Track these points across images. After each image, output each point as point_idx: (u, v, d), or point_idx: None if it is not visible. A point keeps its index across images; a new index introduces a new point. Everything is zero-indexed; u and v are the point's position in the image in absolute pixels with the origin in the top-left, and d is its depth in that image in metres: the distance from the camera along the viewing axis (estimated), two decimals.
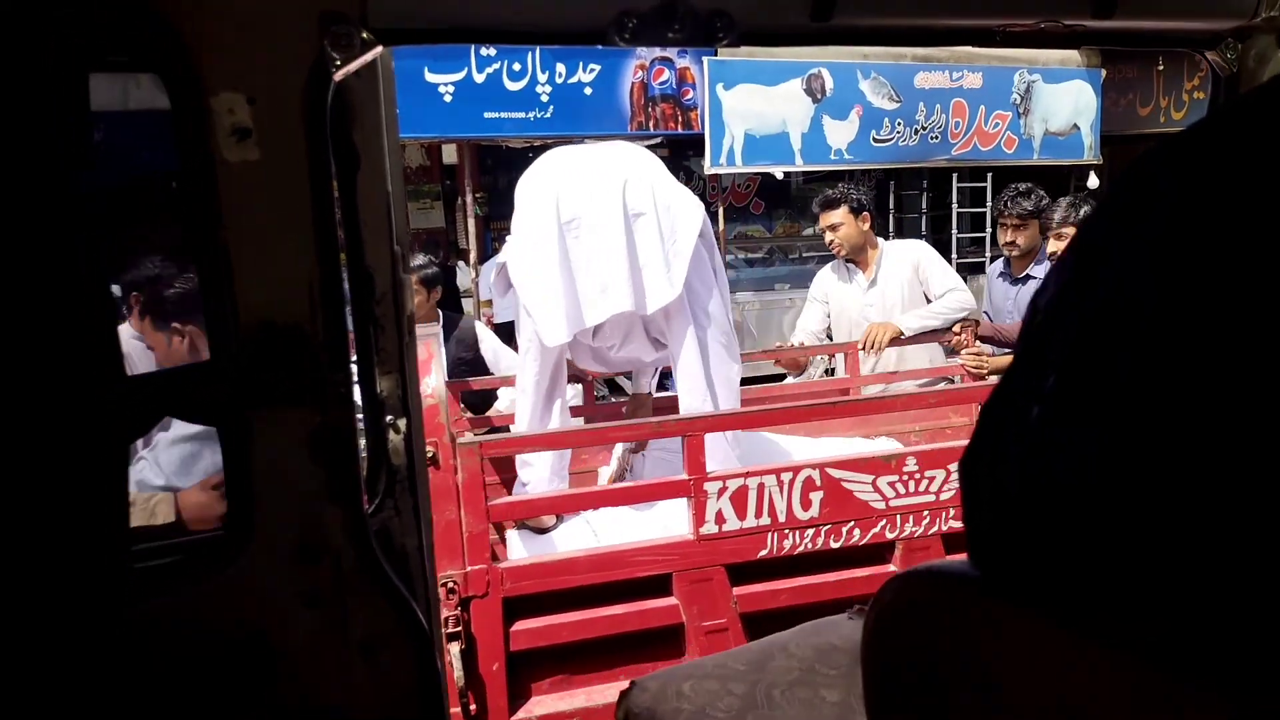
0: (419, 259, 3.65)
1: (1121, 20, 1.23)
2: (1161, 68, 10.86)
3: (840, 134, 8.70)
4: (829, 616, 1.02)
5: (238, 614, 1.01)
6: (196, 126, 0.88)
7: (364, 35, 0.91)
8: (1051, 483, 0.30)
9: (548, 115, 7.91)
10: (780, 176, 8.57)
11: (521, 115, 7.87)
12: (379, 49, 0.93)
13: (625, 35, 1.00)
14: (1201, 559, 0.26)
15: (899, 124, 9.06)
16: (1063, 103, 9.73)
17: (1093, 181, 10.53)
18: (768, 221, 11.03)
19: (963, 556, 0.43)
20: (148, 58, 0.86)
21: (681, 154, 10.21)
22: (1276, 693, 0.25)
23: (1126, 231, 0.30)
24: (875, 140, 8.96)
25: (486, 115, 7.81)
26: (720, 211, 9.31)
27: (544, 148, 9.65)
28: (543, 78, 7.81)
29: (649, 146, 9.74)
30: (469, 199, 8.54)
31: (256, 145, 0.90)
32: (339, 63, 0.91)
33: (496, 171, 10.12)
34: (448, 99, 7.59)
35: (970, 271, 9.87)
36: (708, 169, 8.37)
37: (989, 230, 9.96)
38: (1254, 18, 1.34)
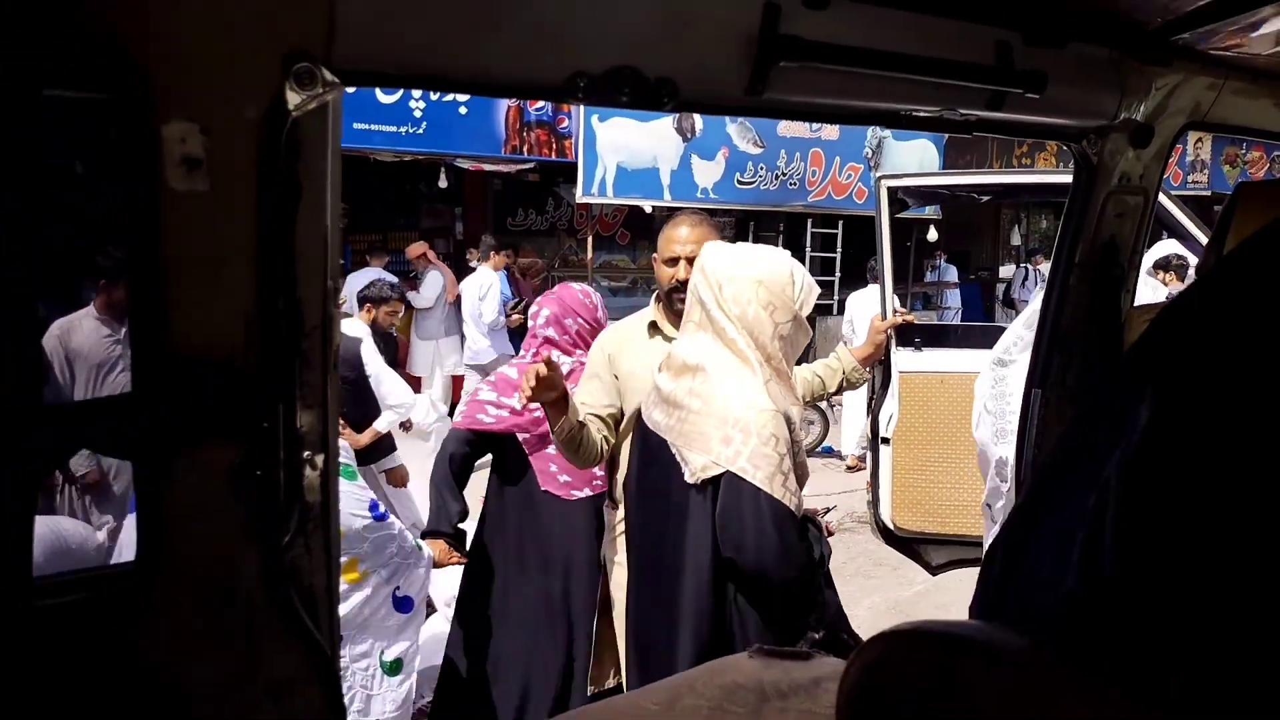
0: None
1: (1008, 114, 1.38)
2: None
3: (707, 174, 9.00)
4: (730, 656, 1.07)
5: (144, 653, 0.96)
6: (146, 153, 0.85)
7: (327, 76, 0.90)
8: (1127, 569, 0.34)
9: (420, 131, 7.79)
10: (649, 210, 8.78)
11: (393, 129, 7.72)
12: (341, 90, 0.92)
13: (578, 95, 1.04)
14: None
15: (761, 168, 9.45)
16: (909, 159, 10.42)
17: (931, 235, 11.32)
18: (632, 252, 11.22)
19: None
20: (102, 80, 0.83)
21: (552, 180, 10.26)
22: None
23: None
24: (739, 182, 9.31)
25: (356, 126, 7.61)
26: (590, 239, 9.40)
27: (414, 164, 9.48)
28: (417, 93, 7.69)
29: (520, 170, 9.72)
30: None
31: (206, 176, 0.88)
32: (299, 101, 0.90)
33: (361, 184, 9.83)
34: None
35: (819, 312, 10.36)
36: (579, 197, 8.46)
37: (838, 274, 10.48)
38: (1114, 119, 1.52)
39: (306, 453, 1.15)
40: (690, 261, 2.27)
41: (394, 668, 2.39)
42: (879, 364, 3.74)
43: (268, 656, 1.05)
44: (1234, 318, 0.37)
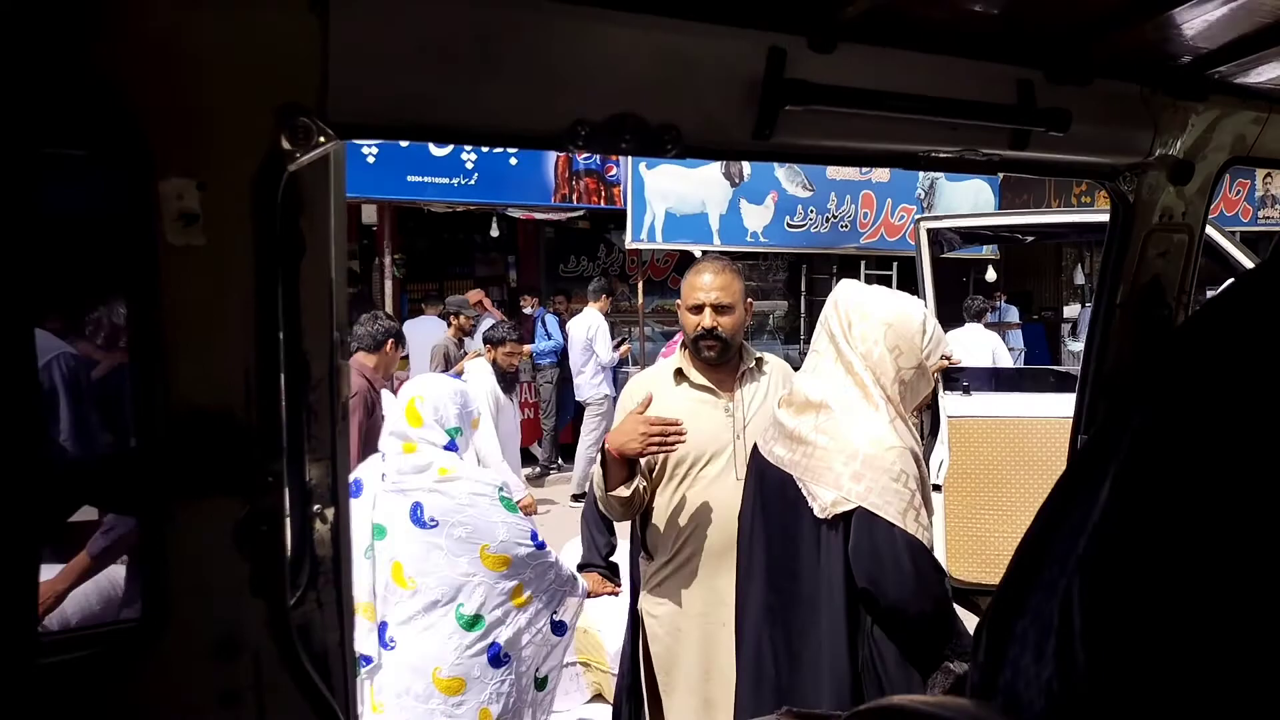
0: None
1: (1033, 153, 1.33)
2: None
3: (756, 218, 8.99)
4: (761, 718, 1.03)
5: (148, 712, 0.96)
6: (143, 209, 0.86)
7: (323, 129, 0.91)
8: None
9: (472, 182, 7.94)
10: (699, 255, 8.82)
11: (445, 181, 7.88)
12: (336, 142, 0.93)
13: (579, 143, 1.04)
14: None
15: (811, 211, 9.40)
16: (963, 200, 10.27)
17: (990, 275, 11.10)
18: None
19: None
20: (101, 137, 0.85)
21: (603, 227, 10.36)
22: None
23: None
24: (789, 225, 9.28)
25: (409, 179, 7.79)
26: (640, 285, 9.45)
27: (467, 214, 9.64)
28: (468, 145, 7.86)
29: (571, 218, 9.82)
30: (387, 260, 8.46)
31: (203, 231, 0.89)
32: (294, 155, 0.91)
33: (416, 235, 10.07)
34: (370, 160, 7.55)
35: None
36: (629, 243, 8.50)
37: None
38: (1149, 155, 1.47)
39: (316, 506, 1.14)
40: (715, 309, 2.26)
41: (542, 683, 2.60)
42: (927, 409, 3.65)
43: (275, 715, 1.03)
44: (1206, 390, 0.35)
